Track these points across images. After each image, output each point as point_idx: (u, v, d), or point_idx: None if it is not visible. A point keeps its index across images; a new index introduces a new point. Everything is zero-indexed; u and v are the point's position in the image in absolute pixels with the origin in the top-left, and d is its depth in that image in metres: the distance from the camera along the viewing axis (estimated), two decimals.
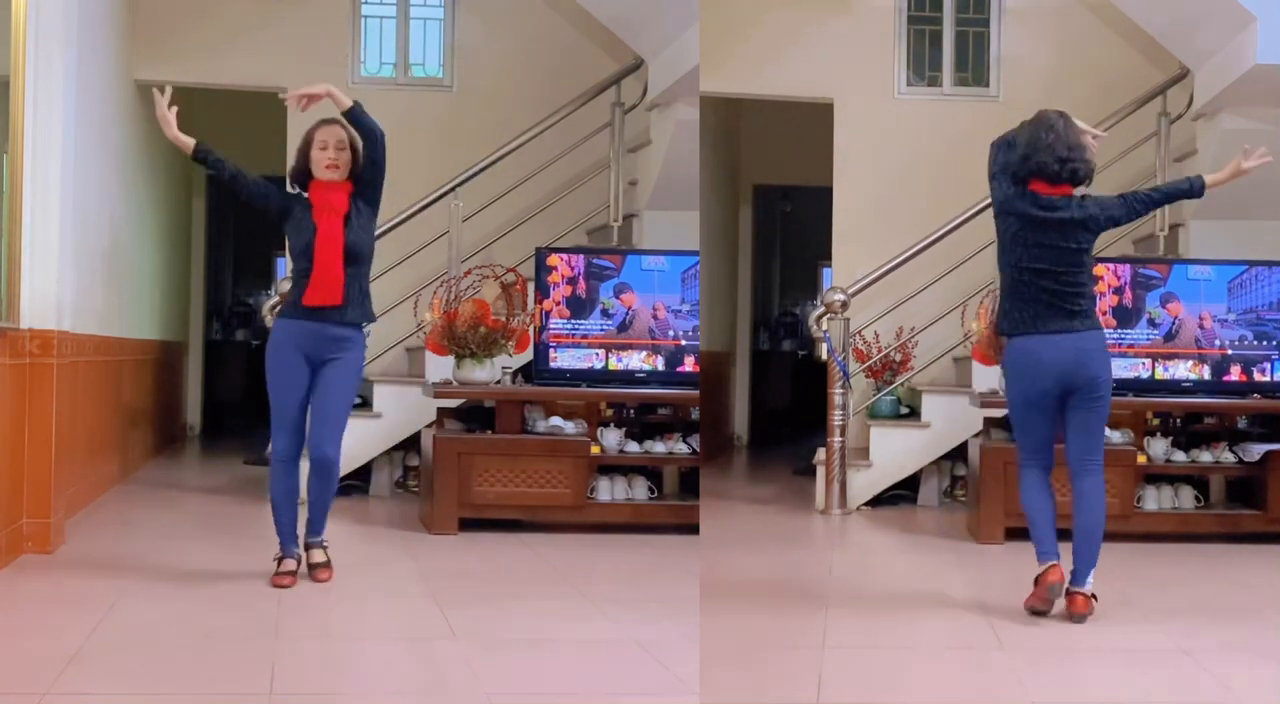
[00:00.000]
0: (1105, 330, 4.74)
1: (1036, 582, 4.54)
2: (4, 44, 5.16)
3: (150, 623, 4.32)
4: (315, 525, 5.01)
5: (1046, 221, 4.53)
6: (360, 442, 6.95)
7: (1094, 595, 4.52)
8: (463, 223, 7.32)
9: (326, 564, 4.94)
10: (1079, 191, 4.61)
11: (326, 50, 8.17)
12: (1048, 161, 4.51)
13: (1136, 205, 4.66)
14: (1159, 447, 6.29)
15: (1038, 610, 4.51)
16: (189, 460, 9.54)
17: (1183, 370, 6.41)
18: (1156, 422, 6.48)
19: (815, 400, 7.81)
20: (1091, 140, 4.65)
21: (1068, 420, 4.62)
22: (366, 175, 4.94)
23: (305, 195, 4.96)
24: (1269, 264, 6.47)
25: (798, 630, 4.40)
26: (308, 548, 4.98)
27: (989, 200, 4.94)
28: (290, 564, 4.92)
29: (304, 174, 4.97)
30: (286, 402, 4.89)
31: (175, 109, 4.92)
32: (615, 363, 6.56)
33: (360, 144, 4.93)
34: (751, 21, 8.03)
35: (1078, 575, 4.52)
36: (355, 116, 4.87)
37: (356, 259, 4.88)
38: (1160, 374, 6.41)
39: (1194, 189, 4.77)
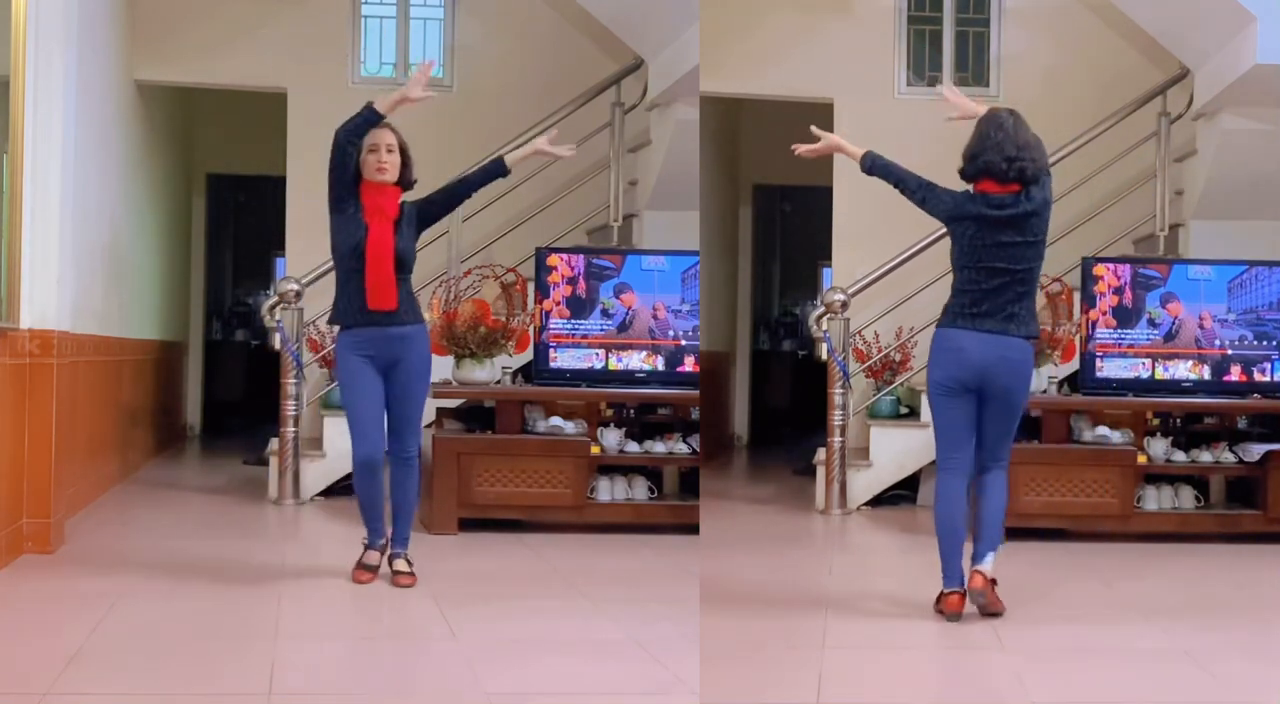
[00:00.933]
0: (1036, 340, 4.67)
1: (939, 599, 4.52)
2: (4, 44, 5.16)
3: (150, 623, 4.32)
4: (400, 534, 5.05)
5: (1001, 220, 4.49)
6: None
7: (994, 579, 4.49)
8: (463, 223, 7.32)
9: (410, 572, 4.96)
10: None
11: (326, 50, 8.17)
12: (995, 161, 4.47)
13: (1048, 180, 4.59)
14: (1159, 447, 6.29)
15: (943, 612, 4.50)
16: (189, 460, 9.54)
17: (1183, 370, 6.41)
18: (1156, 422, 6.48)
19: (815, 400, 7.80)
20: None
21: (980, 421, 4.59)
22: (438, 207, 5.04)
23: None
24: (1269, 264, 6.46)
25: (798, 630, 4.40)
26: (392, 558, 5.01)
27: None
28: (373, 557, 4.99)
29: (354, 175, 4.95)
30: (363, 409, 4.91)
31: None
32: (615, 363, 6.56)
33: (408, 149, 4.95)
34: (751, 21, 8.03)
35: (977, 554, 4.50)
36: (484, 178, 5.06)
37: (403, 266, 4.91)
38: (1160, 374, 6.41)
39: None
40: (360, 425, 4.91)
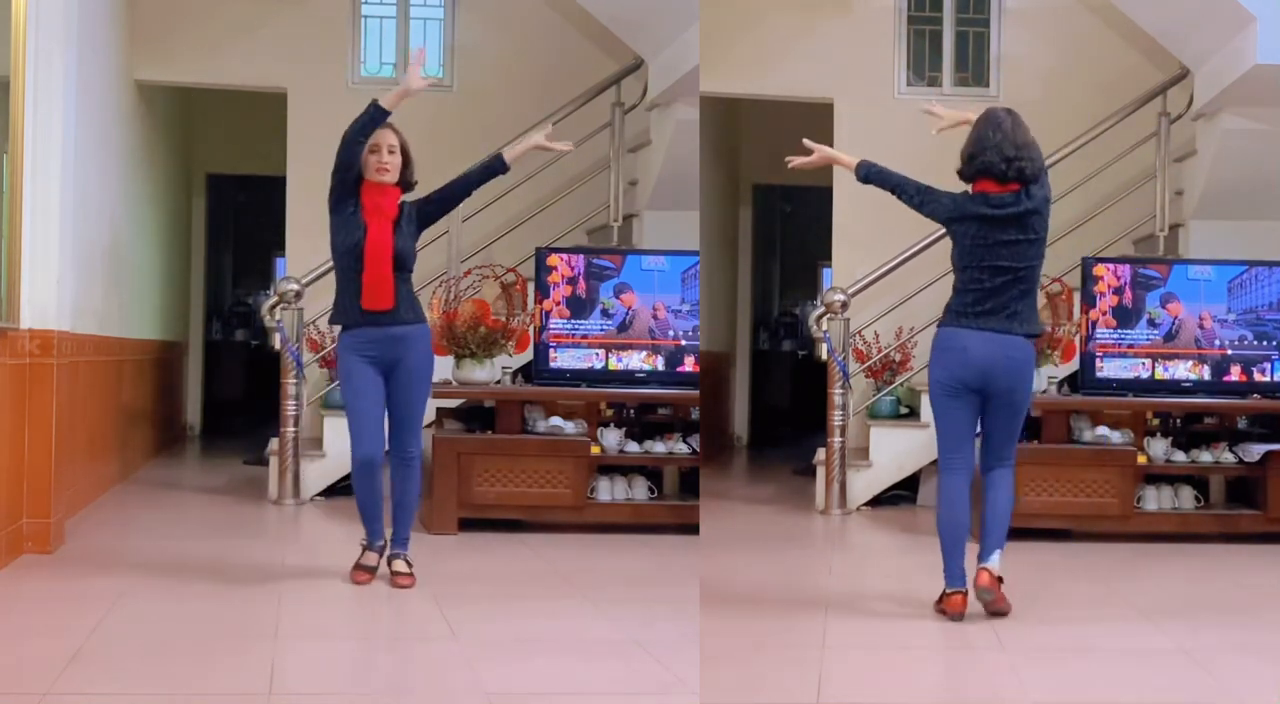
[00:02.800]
0: (1038, 338, 4.68)
1: (940, 599, 4.52)
2: (4, 44, 5.16)
3: (150, 623, 4.32)
4: (400, 534, 5.03)
5: (1002, 219, 4.48)
6: None
7: (1000, 576, 4.48)
8: (463, 223, 7.32)
9: (409, 573, 4.95)
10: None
11: (326, 50, 8.17)
12: (994, 161, 4.47)
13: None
14: (1159, 447, 6.29)
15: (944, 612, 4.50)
16: (189, 460, 9.54)
17: (1183, 370, 6.41)
18: (1156, 422, 6.48)
19: (815, 400, 7.81)
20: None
21: (984, 421, 4.60)
22: (436, 207, 5.02)
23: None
24: (1269, 264, 6.46)
25: (798, 630, 4.40)
26: (391, 558, 5.00)
27: None
28: (371, 558, 4.97)
29: (356, 175, 4.94)
30: (364, 409, 4.90)
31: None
32: (615, 363, 6.56)
33: (409, 149, 4.95)
34: (751, 21, 8.03)
35: (984, 553, 4.50)
36: (484, 175, 5.03)
37: (403, 266, 4.90)
38: (1160, 374, 6.40)
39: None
40: (360, 425, 4.90)
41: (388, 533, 5.05)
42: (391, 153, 4.89)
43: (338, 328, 5.15)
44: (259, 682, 3.62)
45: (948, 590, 4.48)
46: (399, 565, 4.98)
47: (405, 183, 4.97)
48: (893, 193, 4.72)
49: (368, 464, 4.91)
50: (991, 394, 4.53)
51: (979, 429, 4.63)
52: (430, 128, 7.93)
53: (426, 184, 6.78)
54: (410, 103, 4.90)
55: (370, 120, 4.81)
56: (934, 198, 4.62)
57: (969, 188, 4.58)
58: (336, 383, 7.25)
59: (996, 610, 4.46)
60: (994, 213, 4.49)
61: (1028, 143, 4.51)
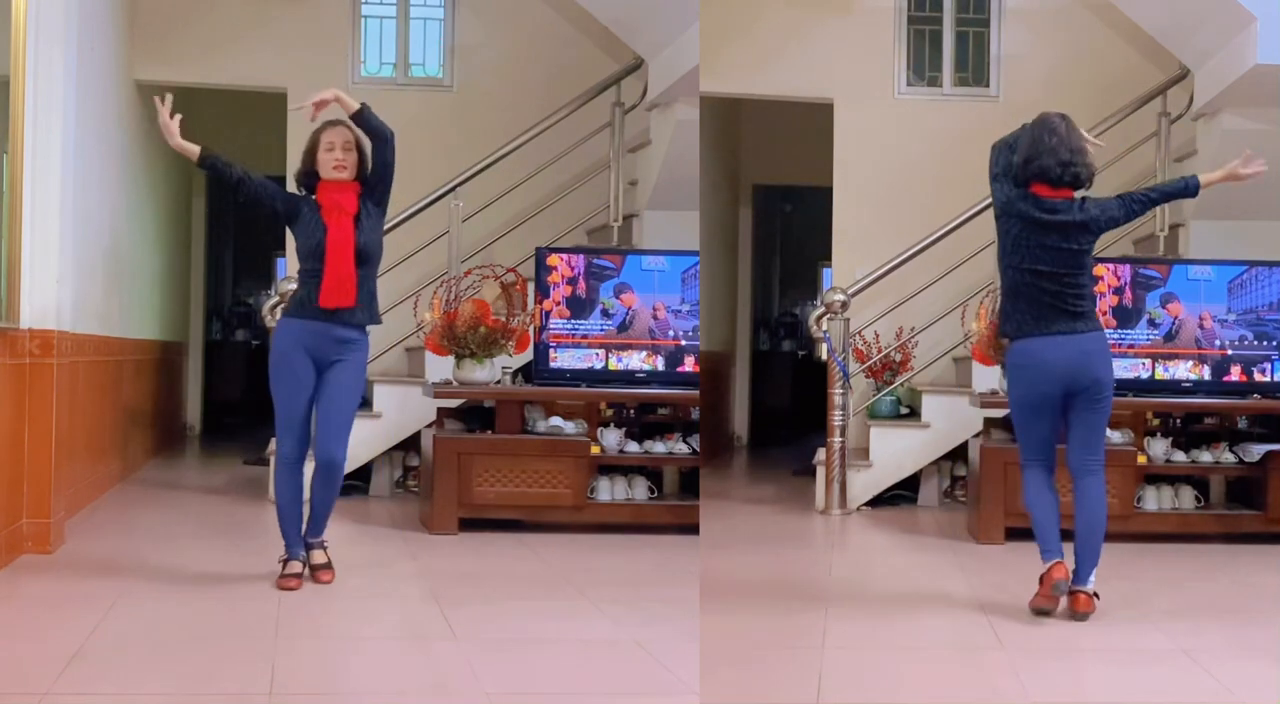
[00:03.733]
0: (1106, 331, 4.74)
1: (1041, 580, 4.55)
2: (4, 44, 5.16)
3: (150, 623, 4.32)
4: (317, 525, 4.99)
5: (1048, 224, 4.52)
6: (360, 442, 6.94)
7: (1096, 594, 4.52)
8: (463, 223, 7.32)
9: (328, 565, 4.93)
10: (1079, 194, 4.61)
11: (326, 50, 8.17)
12: (1050, 165, 4.50)
13: (1134, 206, 4.67)
14: (1159, 447, 6.29)
15: (1043, 610, 4.51)
16: (189, 460, 9.54)
17: (1183, 371, 6.41)
18: (1157, 422, 6.48)
19: (815, 400, 7.81)
20: (1090, 147, 4.64)
21: (1070, 422, 4.63)
22: (375, 177, 4.94)
23: (313, 197, 4.94)
24: (1269, 264, 6.46)
25: (798, 630, 4.40)
26: (309, 548, 4.97)
27: (989, 201, 4.94)
28: (296, 566, 4.91)
29: (311, 176, 4.96)
30: (293, 403, 4.87)
31: (179, 117, 4.87)
32: (615, 363, 6.56)
33: (367, 145, 4.93)
34: (751, 21, 8.03)
35: (1079, 574, 4.53)
36: (364, 119, 4.86)
37: (367, 260, 4.87)
38: (1160, 374, 6.41)
39: (1189, 188, 4.80)
40: (288, 420, 4.86)
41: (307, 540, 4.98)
42: (346, 150, 4.88)
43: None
44: (259, 682, 3.62)
45: (1047, 563, 4.50)
46: (318, 556, 4.91)
47: (363, 179, 4.94)
48: (994, 149, 4.65)
49: (294, 463, 4.89)
50: (1077, 393, 4.56)
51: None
52: (430, 128, 7.95)
53: (427, 184, 6.83)
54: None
55: (214, 171, 4.95)
56: (999, 185, 4.62)
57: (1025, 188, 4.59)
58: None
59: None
60: (1042, 216, 4.52)
61: (1081, 148, 4.55)
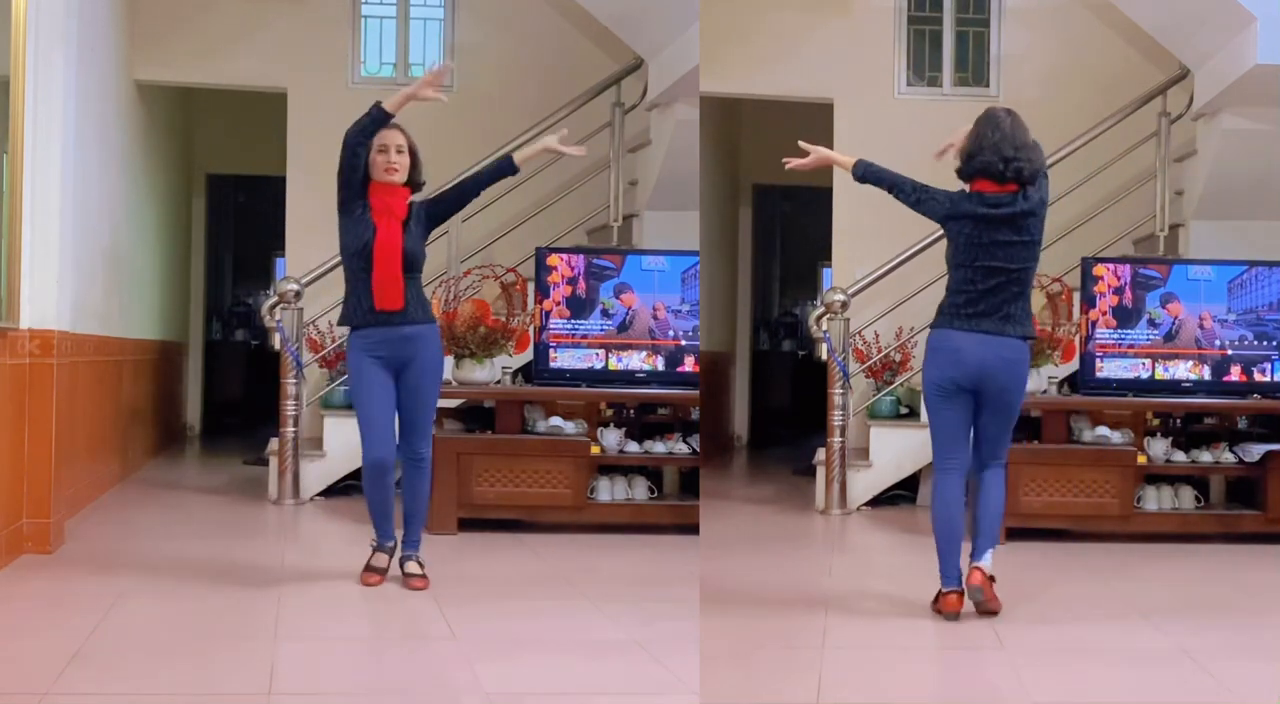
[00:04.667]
0: (1033, 341, 4.65)
1: (935, 601, 4.51)
2: (4, 44, 5.16)
3: (150, 623, 4.32)
4: (412, 536, 5.00)
5: (996, 218, 4.47)
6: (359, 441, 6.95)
7: (992, 577, 4.49)
8: (463, 223, 7.32)
9: (422, 575, 4.93)
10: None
11: (326, 50, 8.18)
12: (992, 161, 4.46)
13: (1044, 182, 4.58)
14: (1159, 447, 6.29)
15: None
16: (189, 460, 9.54)
17: (1183, 371, 6.41)
18: (1157, 422, 6.48)
19: (815, 400, 7.81)
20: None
21: (977, 421, 4.59)
22: (445, 207, 5.01)
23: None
24: (1269, 264, 6.46)
25: (798, 630, 4.40)
26: (404, 560, 4.98)
27: None
28: (382, 559, 4.95)
29: (363, 176, 4.94)
30: (375, 411, 4.88)
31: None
32: (615, 363, 6.56)
33: (417, 150, 4.94)
34: (751, 21, 8.03)
35: (977, 552, 4.51)
36: (494, 176, 5.01)
37: (413, 266, 4.88)
38: (1160, 374, 6.40)
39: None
40: (370, 426, 4.88)
41: (398, 533, 5.03)
42: (400, 153, 4.88)
43: (341, 328, 5.13)
44: (259, 682, 3.62)
45: (943, 590, 4.49)
46: (412, 567, 4.96)
47: (414, 183, 4.96)
48: (890, 191, 4.72)
49: (379, 466, 4.89)
50: (985, 394, 4.53)
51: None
52: (430, 127, 7.91)
53: (426, 184, 6.78)
54: (410, 103, 4.89)
55: (372, 122, 4.79)
56: (930, 196, 4.62)
57: (966, 187, 4.58)
58: (336, 383, 7.28)
59: (987, 610, 4.46)
60: (989, 212, 4.49)
61: (1027, 143, 4.50)
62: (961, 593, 4.46)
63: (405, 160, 4.89)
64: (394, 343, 4.87)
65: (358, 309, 4.88)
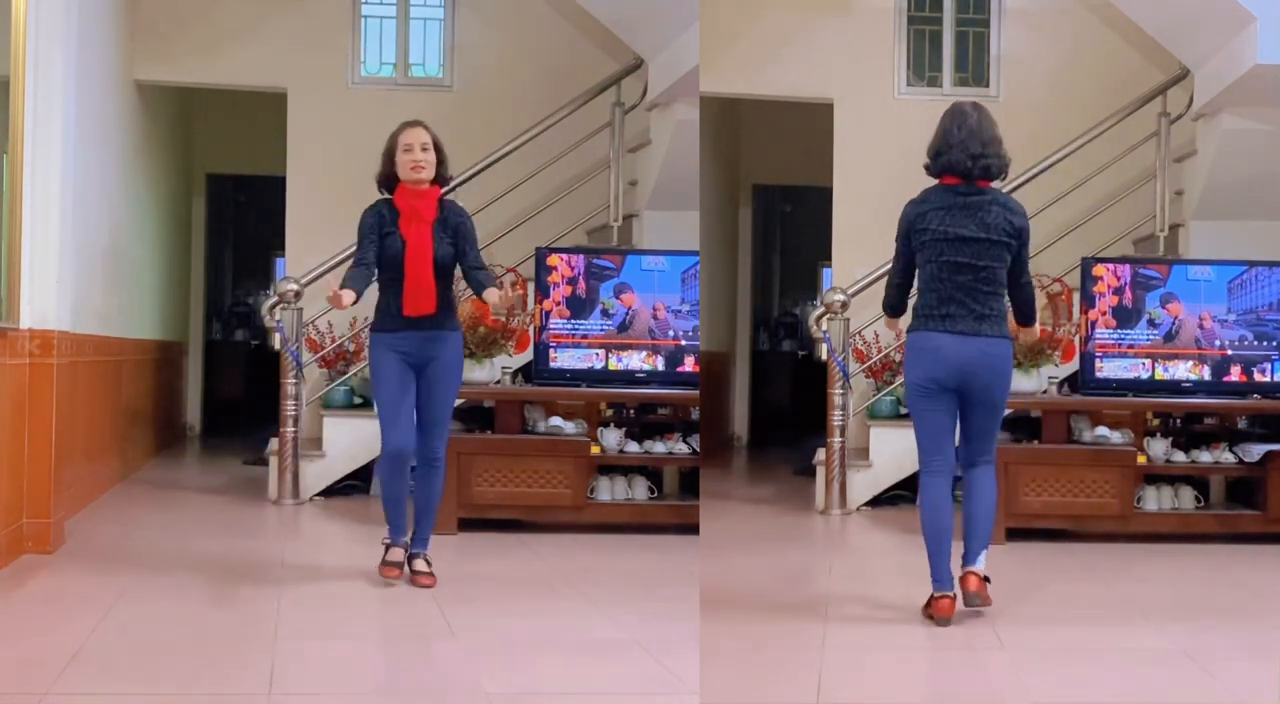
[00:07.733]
0: (1012, 342, 4.61)
1: (927, 605, 4.46)
2: (4, 44, 5.16)
3: (150, 623, 4.32)
4: (421, 534, 5.01)
5: (965, 205, 4.41)
6: (360, 441, 6.96)
7: (987, 577, 4.46)
8: None
9: (429, 573, 4.95)
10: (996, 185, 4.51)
11: (326, 50, 8.17)
12: (959, 159, 4.41)
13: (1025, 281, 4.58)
14: (1159, 447, 6.29)
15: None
16: (189, 460, 9.54)
17: (1183, 371, 6.41)
18: (1156, 422, 6.48)
19: (815, 400, 7.80)
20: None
21: (962, 421, 4.55)
22: (457, 250, 4.95)
23: (390, 199, 4.93)
24: (1269, 264, 6.46)
25: (798, 630, 4.40)
26: (411, 558, 4.99)
27: None
28: (397, 554, 4.96)
29: (390, 179, 4.95)
30: (392, 403, 4.88)
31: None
32: (615, 363, 6.56)
33: (442, 146, 4.95)
34: (751, 22, 8.03)
35: (969, 555, 4.47)
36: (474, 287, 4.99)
37: (444, 272, 4.90)
38: (1160, 374, 6.40)
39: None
40: (391, 417, 4.88)
41: (411, 531, 5.02)
42: (425, 150, 4.88)
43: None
44: (259, 682, 3.62)
45: (935, 594, 4.42)
46: (419, 565, 4.97)
47: (441, 179, 4.96)
48: (898, 283, 4.69)
49: (399, 455, 4.90)
50: (969, 392, 4.48)
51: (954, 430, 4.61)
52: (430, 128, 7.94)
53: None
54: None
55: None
56: (899, 253, 4.58)
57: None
58: (336, 383, 7.28)
59: (978, 606, 4.46)
60: (957, 199, 4.43)
61: (994, 139, 4.44)
62: (953, 597, 4.41)
63: (431, 157, 4.90)
64: (420, 341, 4.88)
65: (390, 314, 4.90)
